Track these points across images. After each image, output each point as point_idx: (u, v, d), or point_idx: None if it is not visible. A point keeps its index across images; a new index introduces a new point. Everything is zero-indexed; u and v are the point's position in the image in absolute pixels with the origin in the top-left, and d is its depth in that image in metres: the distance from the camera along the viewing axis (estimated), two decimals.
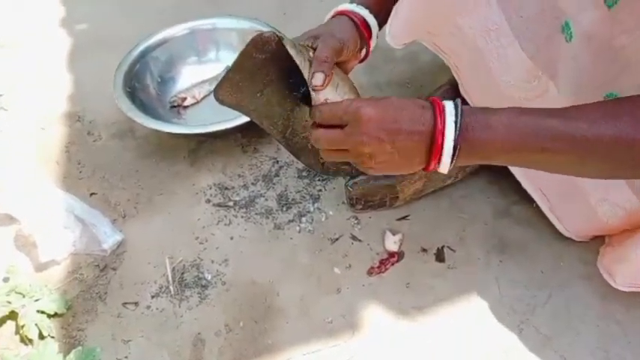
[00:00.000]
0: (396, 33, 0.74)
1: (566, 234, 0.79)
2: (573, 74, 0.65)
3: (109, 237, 0.82)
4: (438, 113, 0.53)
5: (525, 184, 0.79)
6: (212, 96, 0.70)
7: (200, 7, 1.25)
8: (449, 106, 0.53)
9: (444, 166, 0.54)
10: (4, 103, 1.09)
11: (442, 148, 0.53)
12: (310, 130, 0.60)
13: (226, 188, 0.91)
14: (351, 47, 0.66)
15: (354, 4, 0.70)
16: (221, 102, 0.70)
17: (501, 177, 0.82)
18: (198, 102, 1.05)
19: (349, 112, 0.55)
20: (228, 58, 1.06)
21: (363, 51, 0.71)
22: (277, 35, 0.65)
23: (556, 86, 0.69)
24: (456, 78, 0.79)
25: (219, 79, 0.69)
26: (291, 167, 0.93)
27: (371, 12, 0.70)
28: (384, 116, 0.53)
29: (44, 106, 1.07)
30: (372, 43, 0.72)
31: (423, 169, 0.56)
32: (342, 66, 0.72)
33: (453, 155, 0.53)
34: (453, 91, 0.85)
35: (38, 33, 1.26)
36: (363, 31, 0.69)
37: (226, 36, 1.09)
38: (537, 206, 0.80)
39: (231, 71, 0.68)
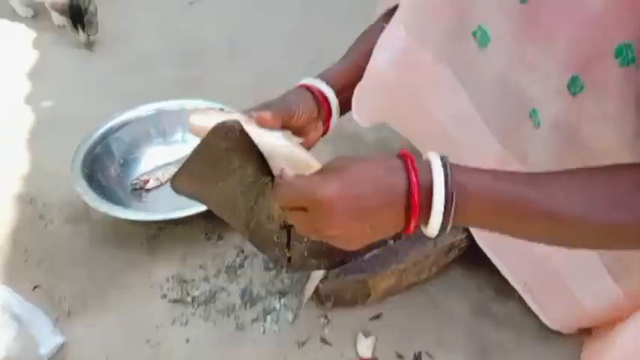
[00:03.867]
0: (361, 112, 0.72)
1: (552, 326, 0.75)
2: (543, 160, 0.64)
3: (48, 339, 0.73)
4: (411, 168, 0.48)
5: (508, 276, 0.76)
6: None
7: (170, 91, 1.22)
8: (432, 155, 0.49)
9: (434, 221, 0.48)
10: None
11: (429, 203, 0.47)
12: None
13: (185, 281, 0.83)
14: (304, 111, 0.64)
15: (312, 78, 0.69)
16: (178, 191, 0.65)
17: (477, 270, 0.78)
18: (162, 184, 1.00)
19: (307, 198, 0.49)
20: (195, 139, 1.02)
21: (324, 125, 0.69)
22: (240, 124, 0.62)
23: None
24: None
25: (180, 166, 0.65)
26: (257, 257, 0.86)
27: (328, 84, 0.68)
28: (345, 195, 0.48)
29: None
30: (334, 115, 0.70)
31: (404, 231, 0.50)
32: (303, 138, 0.69)
33: (446, 206, 0.47)
34: None
35: (0, 107, 1.22)
36: (320, 100, 0.67)
37: None
38: (519, 298, 0.76)
39: (190, 160, 0.63)
